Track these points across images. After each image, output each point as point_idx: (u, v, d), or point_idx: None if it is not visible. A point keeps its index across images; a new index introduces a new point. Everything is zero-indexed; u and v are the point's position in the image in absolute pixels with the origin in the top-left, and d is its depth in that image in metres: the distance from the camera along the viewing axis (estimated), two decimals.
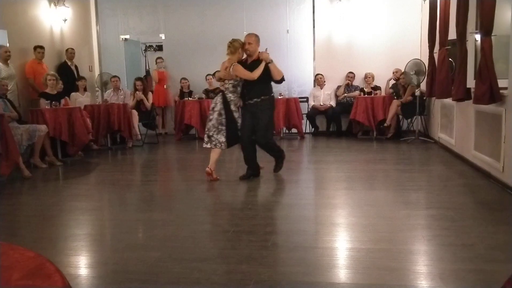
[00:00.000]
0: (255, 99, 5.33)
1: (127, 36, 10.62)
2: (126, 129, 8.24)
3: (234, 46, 5.33)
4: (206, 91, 9.79)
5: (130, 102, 8.70)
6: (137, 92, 8.80)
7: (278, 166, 5.77)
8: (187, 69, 10.16)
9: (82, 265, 3.10)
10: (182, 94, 9.88)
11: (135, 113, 8.53)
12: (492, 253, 2.99)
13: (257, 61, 5.31)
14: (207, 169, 5.46)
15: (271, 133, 5.69)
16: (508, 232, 3.42)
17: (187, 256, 3.07)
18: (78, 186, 5.65)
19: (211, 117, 5.41)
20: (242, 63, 5.36)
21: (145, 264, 2.96)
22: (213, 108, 5.40)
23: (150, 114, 8.98)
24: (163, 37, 10.42)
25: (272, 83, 5.47)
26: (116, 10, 10.49)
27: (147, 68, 11.75)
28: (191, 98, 9.50)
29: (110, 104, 8.27)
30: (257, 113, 5.34)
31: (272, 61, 5.28)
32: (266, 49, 5.35)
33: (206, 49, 10.14)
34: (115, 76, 8.96)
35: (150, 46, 11.92)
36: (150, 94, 9.06)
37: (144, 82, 9.12)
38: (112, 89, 8.86)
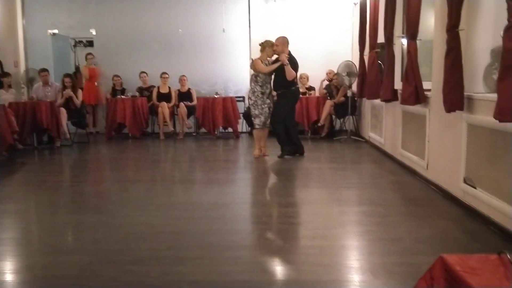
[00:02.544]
0: (277, 92, 6.46)
1: (55, 31, 10.11)
2: (54, 128, 7.86)
3: (263, 45, 6.41)
4: (140, 89, 9.55)
5: (58, 99, 8.29)
6: (66, 89, 8.40)
7: (282, 154, 6.53)
8: (119, 66, 9.85)
9: (7, 270, 2.92)
10: (114, 92, 9.57)
11: (63, 111, 8.14)
12: (418, 246, 3.16)
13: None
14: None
15: (279, 118, 6.44)
16: (432, 225, 3.62)
17: (119, 259, 2.97)
18: (1, 188, 5.29)
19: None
20: (275, 61, 6.44)
21: (75, 268, 2.84)
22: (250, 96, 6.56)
23: (80, 112, 8.61)
24: (94, 33, 10.04)
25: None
26: (43, 4, 9.97)
27: (77, 64, 11.25)
28: (124, 96, 9.23)
29: (36, 102, 7.84)
30: (277, 102, 6.47)
31: (288, 64, 6.24)
32: (289, 53, 6.34)
33: (140, 46, 9.89)
34: (44, 70, 8.39)
35: (80, 42, 11.43)
36: (80, 92, 8.68)
37: (73, 78, 8.70)
38: (42, 84, 8.33)
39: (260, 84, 6.36)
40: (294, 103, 6.67)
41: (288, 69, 6.26)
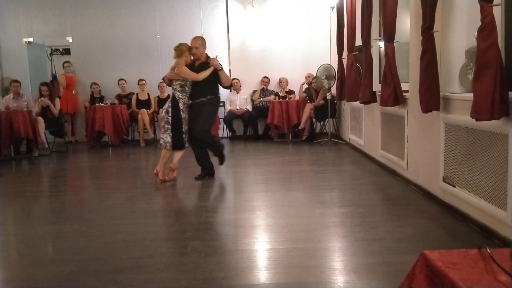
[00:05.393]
0: (201, 99, 5.46)
1: (31, 39, 9.98)
2: (31, 137, 7.72)
3: (180, 49, 5.42)
4: (119, 96, 9.47)
5: (35, 108, 8.16)
6: (42, 98, 8.27)
7: (220, 160, 5.85)
8: (97, 74, 9.76)
9: None
10: (92, 100, 9.47)
11: (40, 120, 8.01)
12: (399, 245, 3.19)
13: (205, 64, 5.50)
14: (154, 170, 5.50)
15: (209, 126, 5.66)
16: (413, 225, 3.65)
17: (101, 268, 2.93)
18: None
19: (161, 116, 5.49)
20: (191, 65, 5.48)
21: (55, 279, 2.79)
22: (164, 107, 5.48)
23: (58, 121, 8.49)
24: (71, 40, 9.92)
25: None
26: (18, 12, 9.83)
27: (54, 72, 11.11)
28: (102, 104, 9.14)
29: (13, 112, 7.70)
30: (201, 109, 5.46)
31: (222, 68, 5.54)
32: (216, 56, 5.58)
33: (118, 52, 9.81)
34: (16, 81, 8.24)
35: (57, 50, 11.30)
36: (57, 100, 8.57)
37: (50, 87, 8.61)
38: (12, 96, 8.15)
39: (188, 94, 5.41)
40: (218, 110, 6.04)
41: (224, 74, 5.67)
